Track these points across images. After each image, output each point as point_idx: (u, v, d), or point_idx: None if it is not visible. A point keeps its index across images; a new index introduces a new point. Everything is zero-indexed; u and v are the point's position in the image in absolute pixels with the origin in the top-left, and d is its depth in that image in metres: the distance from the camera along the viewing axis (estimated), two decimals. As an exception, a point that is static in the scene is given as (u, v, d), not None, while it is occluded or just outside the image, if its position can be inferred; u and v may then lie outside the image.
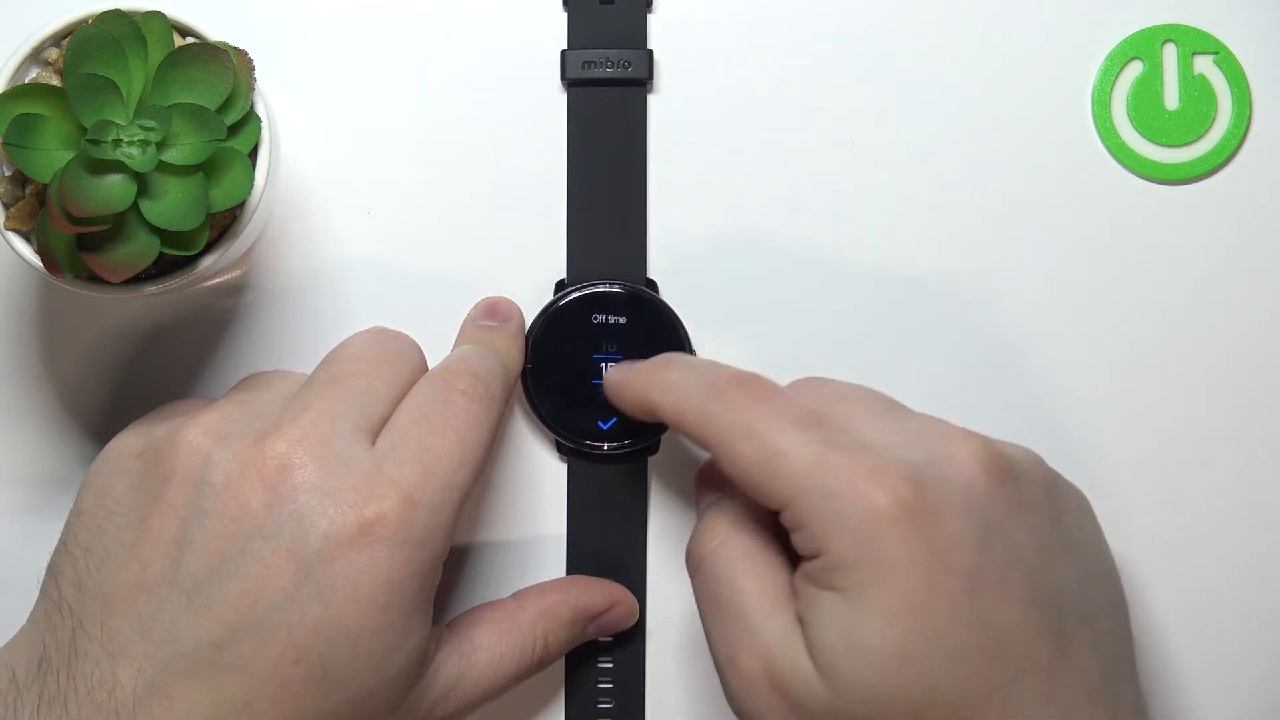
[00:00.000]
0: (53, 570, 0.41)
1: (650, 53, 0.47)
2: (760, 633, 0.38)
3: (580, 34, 0.47)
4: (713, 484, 0.44)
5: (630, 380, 0.42)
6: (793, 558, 0.39)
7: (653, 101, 0.48)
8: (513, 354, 0.46)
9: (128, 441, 0.42)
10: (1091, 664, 0.38)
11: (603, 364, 0.46)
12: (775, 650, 0.38)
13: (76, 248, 0.39)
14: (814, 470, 0.37)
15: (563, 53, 0.47)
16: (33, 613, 0.41)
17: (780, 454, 0.38)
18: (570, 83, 0.47)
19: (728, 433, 0.39)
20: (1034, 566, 0.37)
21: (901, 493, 0.36)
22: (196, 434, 0.40)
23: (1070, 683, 0.37)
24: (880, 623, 0.36)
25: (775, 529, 0.40)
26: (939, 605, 0.36)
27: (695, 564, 0.41)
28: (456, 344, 0.46)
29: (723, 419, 0.39)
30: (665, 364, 0.42)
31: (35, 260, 0.40)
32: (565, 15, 0.48)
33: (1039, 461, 0.40)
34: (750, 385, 0.40)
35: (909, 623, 0.36)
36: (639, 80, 0.47)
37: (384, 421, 0.41)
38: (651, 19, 0.48)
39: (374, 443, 0.40)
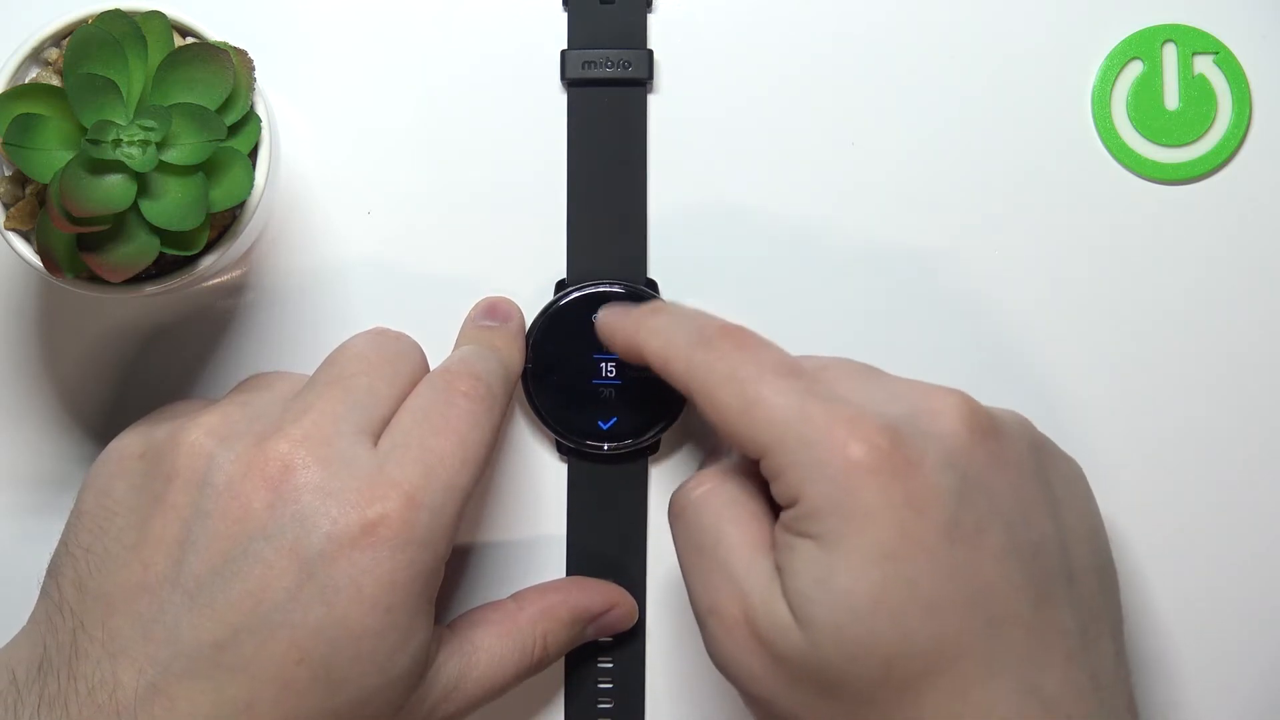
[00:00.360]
0: (53, 571, 0.40)
1: (650, 53, 0.47)
2: (740, 580, 0.38)
3: (580, 34, 0.47)
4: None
5: (621, 322, 0.43)
6: (777, 511, 0.39)
7: (653, 101, 0.48)
8: (513, 354, 0.46)
9: (128, 442, 0.41)
10: (1071, 623, 0.37)
11: (603, 364, 0.46)
12: (754, 598, 0.38)
13: (76, 248, 0.39)
14: (793, 418, 0.37)
15: (563, 53, 0.47)
16: (33, 613, 0.40)
17: (760, 401, 0.38)
18: (570, 83, 0.47)
19: (710, 380, 0.39)
20: (1014, 522, 0.37)
21: (879, 442, 0.36)
22: (198, 435, 0.40)
23: (1048, 640, 0.37)
24: (855, 568, 0.36)
25: (760, 483, 0.40)
26: (915, 553, 0.36)
27: (678, 510, 0.41)
28: (457, 344, 0.46)
29: (706, 366, 0.39)
30: (656, 310, 0.42)
31: (35, 260, 0.40)
32: (565, 15, 0.47)
33: (1026, 424, 0.40)
34: (737, 335, 0.40)
35: (884, 569, 0.36)
36: (639, 80, 0.47)
37: (386, 422, 0.41)
38: (651, 19, 0.48)
39: (376, 444, 0.40)
